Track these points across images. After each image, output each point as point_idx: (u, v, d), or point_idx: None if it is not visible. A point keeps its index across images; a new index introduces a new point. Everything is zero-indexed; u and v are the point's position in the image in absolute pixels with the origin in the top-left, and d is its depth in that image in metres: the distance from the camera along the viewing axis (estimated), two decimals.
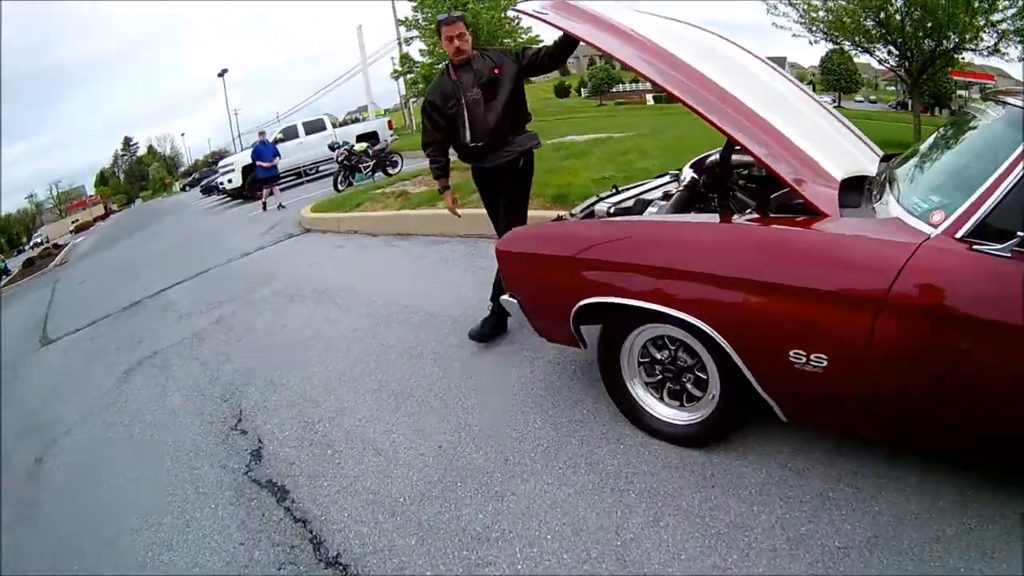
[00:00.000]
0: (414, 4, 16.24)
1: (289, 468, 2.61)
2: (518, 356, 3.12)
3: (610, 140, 9.78)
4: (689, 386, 2.12)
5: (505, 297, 2.48)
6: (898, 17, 8.25)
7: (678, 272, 1.89)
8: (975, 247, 1.46)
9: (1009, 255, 1.41)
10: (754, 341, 1.78)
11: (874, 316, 1.52)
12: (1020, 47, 7.94)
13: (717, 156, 2.75)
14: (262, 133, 12.73)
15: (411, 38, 17.96)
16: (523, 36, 15.84)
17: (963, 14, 7.37)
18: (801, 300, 1.66)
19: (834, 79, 45.71)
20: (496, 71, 2.95)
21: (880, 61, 9.43)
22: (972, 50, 8.37)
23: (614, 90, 60.80)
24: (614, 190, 2.90)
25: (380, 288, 4.79)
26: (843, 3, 8.61)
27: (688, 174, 2.57)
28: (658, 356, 2.15)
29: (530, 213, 4.81)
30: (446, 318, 3.75)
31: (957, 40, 8.09)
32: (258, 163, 11.66)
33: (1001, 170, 1.51)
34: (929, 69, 8.88)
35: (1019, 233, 1.39)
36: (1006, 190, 1.48)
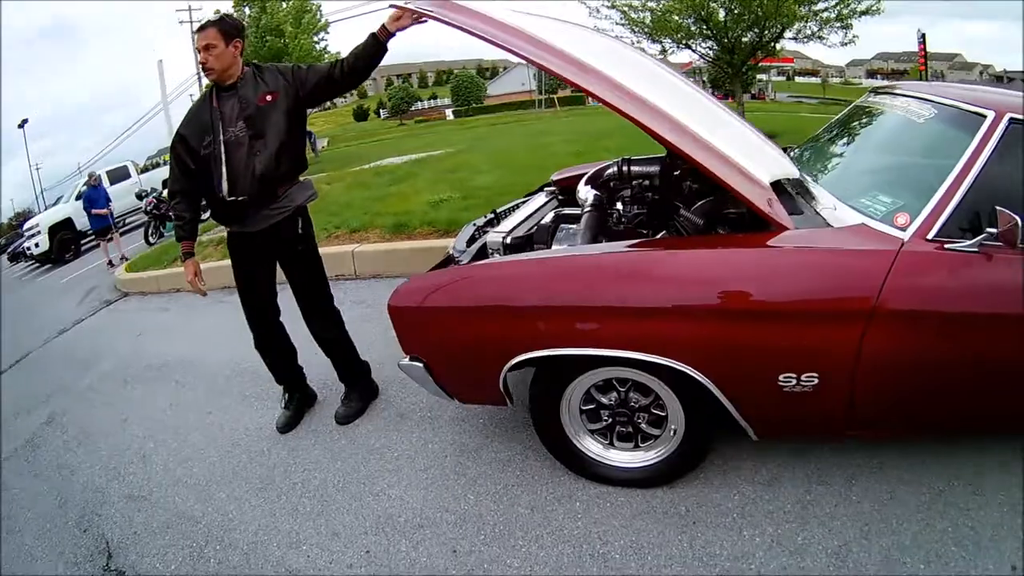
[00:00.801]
0: None
1: None
2: (411, 420, 2.65)
3: (430, 159, 9.59)
4: (644, 425, 1.89)
5: (404, 362, 2.01)
6: (722, 13, 9.02)
7: (648, 310, 1.60)
8: (947, 246, 1.47)
9: (978, 250, 1.44)
10: (740, 373, 1.61)
11: (864, 326, 1.47)
12: (841, 32, 9.18)
13: (614, 169, 2.56)
14: (92, 176, 11.33)
15: None
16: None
17: (793, 3, 8.27)
18: (790, 322, 1.52)
19: None
20: (269, 98, 2.20)
21: (702, 56, 10.24)
22: (794, 39, 9.52)
23: (413, 108, 58.38)
24: (492, 215, 2.62)
25: (224, 356, 3.94)
26: (667, 3, 9.17)
27: (589, 193, 2.30)
28: (604, 401, 1.89)
29: (371, 247, 4.49)
30: (314, 383, 3.09)
31: (780, 30, 9.03)
32: (92, 211, 10.30)
33: (959, 170, 1.50)
34: (750, 60, 9.87)
35: (988, 229, 1.42)
36: (967, 189, 1.48)
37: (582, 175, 2.90)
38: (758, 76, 39.55)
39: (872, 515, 1.72)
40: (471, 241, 2.38)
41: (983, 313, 1.47)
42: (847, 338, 1.49)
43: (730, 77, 10.27)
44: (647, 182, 2.52)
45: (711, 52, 9.96)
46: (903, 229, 1.51)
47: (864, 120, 2.22)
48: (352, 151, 24.25)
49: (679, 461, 1.89)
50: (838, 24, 9.21)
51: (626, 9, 9.71)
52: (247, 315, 2.55)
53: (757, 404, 1.67)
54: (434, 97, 60.02)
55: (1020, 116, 1.47)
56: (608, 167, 2.59)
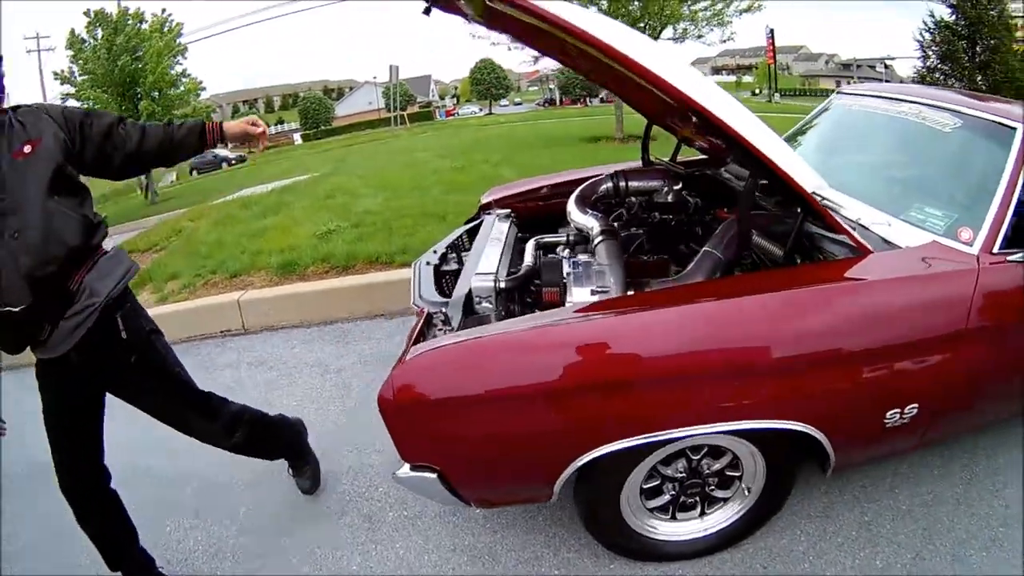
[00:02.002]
0: (70, 53, 15.62)
1: None
2: (385, 525, 2.00)
3: (298, 186, 8.69)
4: (714, 490, 1.65)
5: (405, 474, 1.44)
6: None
7: (774, 366, 1.35)
8: (1009, 259, 1.49)
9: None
10: (853, 419, 1.47)
11: (957, 348, 1.44)
12: (719, 30, 10.00)
13: (608, 186, 2.29)
14: None
15: (67, 95, 15.90)
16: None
17: (677, 3, 8.82)
18: (901, 358, 1.41)
19: (484, 88, 47.89)
20: (28, 149, 1.41)
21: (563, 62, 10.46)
22: (673, 38, 10.19)
23: None
24: (447, 250, 2.21)
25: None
26: None
27: (590, 218, 1.97)
28: (670, 473, 1.58)
29: (258, 294, 3.61)
30: (230, 486, 2.25)
31: (659, 29, 9.61)
32: None
33: (1007, 181, 1.54)
34: None
35: None
36: (1018, 200, 1.53)
37: (522, 194, 2.66)
38: None
39: (926, 519, 1.76)
40: (443, 288, 1.95)
41: None
42: (945, 363, 1.43)
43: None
44: (644, 199, 2.30)
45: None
46: (969, 244, 1.50)
47: (865, 126, 2.23)
48: (207, 183, 21.73)
49: (754, 518, 1.68)
50: (716, 22, 10.09)
51: None
52: (59, 480, 1.65)
53: (858, 445, 1.55)
54: (281, 122, 55.65)
55: None
56: (598, 183, 2.29)
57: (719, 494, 1.65)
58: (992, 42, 14.20)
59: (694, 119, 1.69)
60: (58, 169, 1.43)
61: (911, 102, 1.94)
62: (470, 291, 1.69)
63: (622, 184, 2.26)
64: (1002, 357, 1.53)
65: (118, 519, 1.76)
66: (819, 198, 1.49)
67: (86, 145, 1.51)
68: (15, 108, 1.47)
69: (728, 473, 1.61)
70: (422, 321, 1.66)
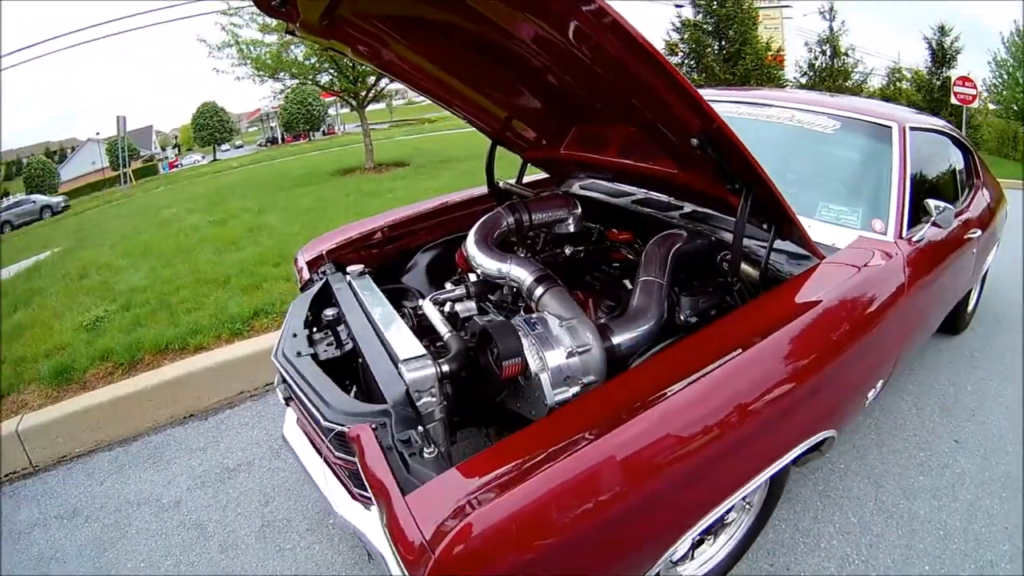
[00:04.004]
0: None
1: None
2: None
3: (41, 265, 6.55)
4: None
5: None
6: None
7: (796, 399, 1.29)
8: (911, 238, 1.73)
9: (923, 238, 1.74)
10: (853, 406, 1.57)
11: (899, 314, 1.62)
12: None
13: (509, 220, 1.96)
14: None
15: None
16: None
17: None
18: (876, 341, 1.53)
19: (207, 134, 40.34)
20: None
21: (324, 87, 9.79)
22: None
23: None
24: (294, 337, 1.63)
25: None
26: (286, 38, 8.50)
27: (515, 266, 1.65)
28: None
29: (41, 417, 2.49)
30: None
31: None
32: None
33: (897, 174, 1.78)
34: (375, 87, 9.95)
35: (924, 219, 1.74)
36: (907, 193, 1.77)
37: (355, 242, 2.20)
38: (327, 112, 40.22)
39: (865, 471, 2.02)
40: (344, 387, 1.41)
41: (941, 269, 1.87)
42: (898, 332, 1.62)
43: (355, 108, 10.27)
44: (543, 231, 2.10)
45: (335, 84, 9.74)
46: (883, 233, 1.69)
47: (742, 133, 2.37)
48: None
49: (751, 531, 1.67)
50: None
51: (243, 48, 8.64)
52: None
53: (849, 424, 1.68)
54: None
55: (914, 125, 1.81)
56: (495, 220, 1.96)
57: (729, 517, 1.61)
58: (738, 35, 15.14)
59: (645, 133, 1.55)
60: None
61: (778, 107, 2.11)
62: (406, 389, 1.23)
63: (524, 217, 1.97)
64: (926, 299, 1.81)
65: None
66: None
67: None
68: None
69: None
70: (329, 440, 1.26)
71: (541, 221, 2.01)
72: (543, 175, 2.61)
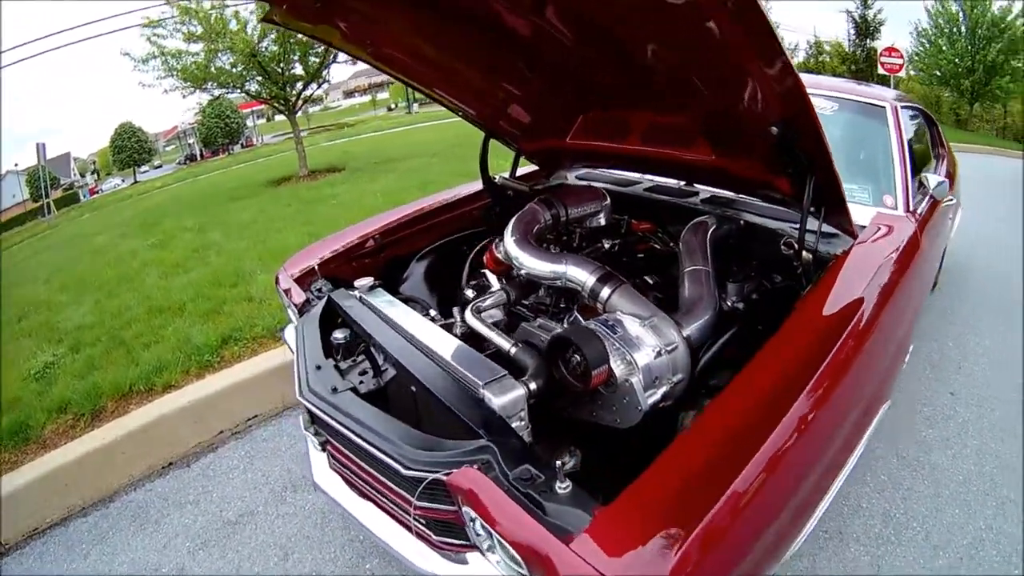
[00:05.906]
0: None
1: None
2: None
3: None
4: None
5: None
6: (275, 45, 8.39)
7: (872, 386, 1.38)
8: (915, 211, 1.83)
9: (919, 211, 1.86)
10: (892, 374, 1.66)
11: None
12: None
13: (546, 217, 1.86)
14: None
15: None
16: None
17: None
18: (907, 315, 1.61)
19: (127, 156, 37.55)
20: None
21: (252, 95, 9.36)
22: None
23: None
24: (318, 369, 1.45)
25: None
26: (210, 46, 8.03)
27: (575, 270, 1.52)
28: None
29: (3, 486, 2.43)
30: None
31: (333, 55, 8.92)
32: None
33: (896, 152, 1.88)
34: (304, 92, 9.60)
35: (920, 191, 1.88)
36: (909, 168, 1.87)
37: (345, 254, 2.04)
38: (245, 124, 38.53)
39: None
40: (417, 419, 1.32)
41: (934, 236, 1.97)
42: (917, 299, 1.76)
43: (285, 112, 9.88)
44: (578, 227, 1.99)
45: (265, 92, 9.32)
46: (894, 208, 1.78)
47: None
48: None
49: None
50: None
51: (168, 59, 8.12)
52: None
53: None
54: None
55: (903, 104, 1.93)
56: (532, 216, 1.81)
57: None
58: None
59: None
60: None
61: None
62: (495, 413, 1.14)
63: (561, 213, 1.86)
64: (929, 266, 1.95)
65: None
66: None
67: None
68: None
69: None
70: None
71: (576, 215, 1.92)
72: (532, 168, 2.52)
